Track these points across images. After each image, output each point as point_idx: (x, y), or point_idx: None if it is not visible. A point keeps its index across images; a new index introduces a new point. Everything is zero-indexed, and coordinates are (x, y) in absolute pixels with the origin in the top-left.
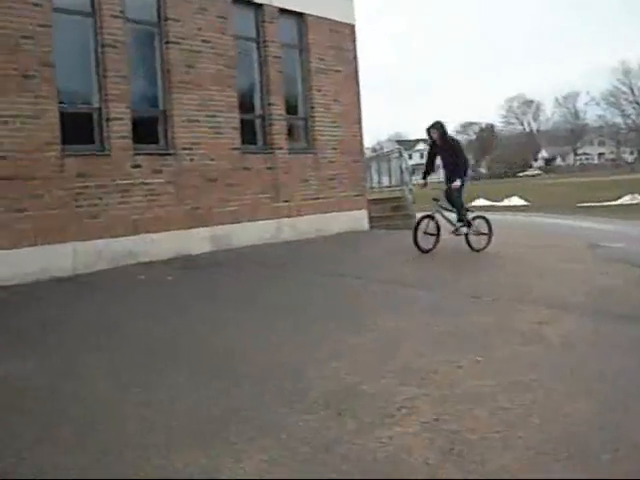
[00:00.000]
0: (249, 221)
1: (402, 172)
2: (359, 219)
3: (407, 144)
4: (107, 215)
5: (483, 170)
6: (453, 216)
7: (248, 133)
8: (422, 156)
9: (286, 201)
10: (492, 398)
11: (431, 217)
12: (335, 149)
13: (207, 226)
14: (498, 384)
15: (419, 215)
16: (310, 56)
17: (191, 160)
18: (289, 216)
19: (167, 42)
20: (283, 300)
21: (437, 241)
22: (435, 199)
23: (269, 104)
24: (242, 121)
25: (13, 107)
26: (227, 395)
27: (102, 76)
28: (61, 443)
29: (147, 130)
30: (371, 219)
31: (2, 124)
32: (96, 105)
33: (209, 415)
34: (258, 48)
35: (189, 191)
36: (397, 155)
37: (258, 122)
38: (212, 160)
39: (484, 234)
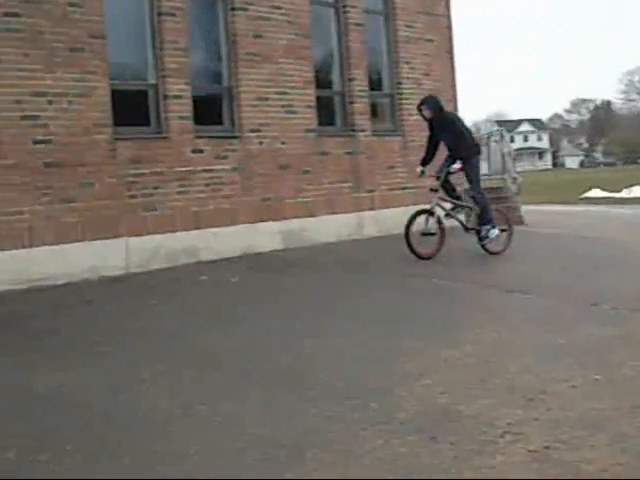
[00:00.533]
0: (326, 214)
1: (503, 158)
2: None
3: (509, 125)
4: (164, 207)
5: (598, 155)
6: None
7: (325, 112)
8: (526, 139)
9: (369, 191)
10: (613, 423)
11: (430, 212)
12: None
13: (278, 220)
14: (620, 407)
15: (414, 210)
16: (397, 23)
17: (260, 144)
18: (372, 209)
19: (232, 9)
20: (365, 307)
21: (441, 242)
22: (433, 189)
23: (349, 79)
24: (318, 99)
25: (59, 84)
26: (303, 415)
27: (158, 48)
28: (113, 473)
29: (210, 110)
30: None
31: (47, 104)
32: (152, 81)
33: (282, 437)
34: (337, 14)
35: (257, 179)
36: (497, 138)
37: (337, 100)
38: (284, 144)
39: (502, 230)
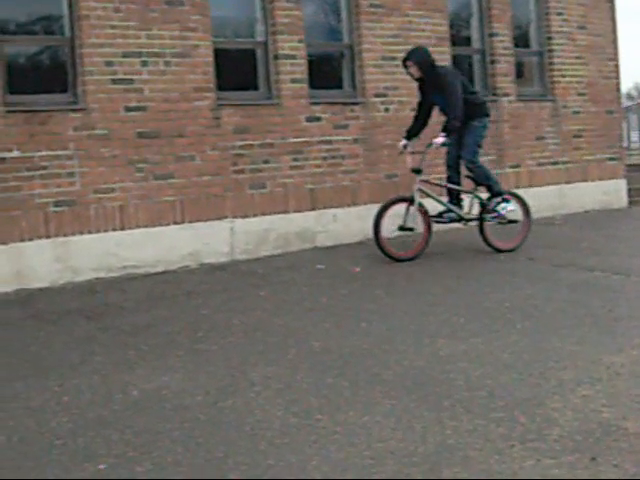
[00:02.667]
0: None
1: None
2: (614, 192)
3: None
4: (274, 184)
5: None
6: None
7: (462, 74)
8: None
9: (514, 166)
10: None
11: (408, 201)
12: (581, 95)
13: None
14: None
15: (388, 199)
16: None
17: (386, 111)
18: (517, 186)
19: None
20: (507, 301)
21: (426, 239)
22: (415, 170)
23: (490, 34)
24: (454, 57)
25: (154, 43)
26: (439, 428)
27: (268, 1)
28: None
29: (327, 71)
30: (630, 192)
31: (141, 65)
32: (261, 39)
33: (415, 453)
34: None
35: (383, 152)
36: None
37: (476, 59)
38: (414, 110)
39: (513, 222)
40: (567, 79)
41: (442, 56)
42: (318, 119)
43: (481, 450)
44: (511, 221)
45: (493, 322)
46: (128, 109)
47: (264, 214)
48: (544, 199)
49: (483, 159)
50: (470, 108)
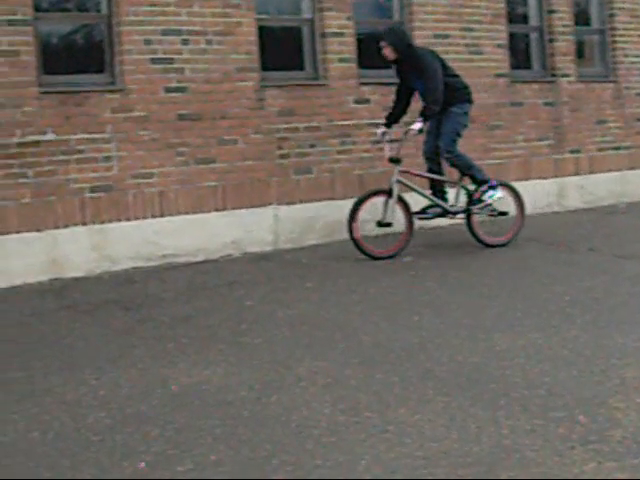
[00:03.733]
0: (519, 179)
1: None
2: None
3: None
4: (321, 169)
5: None
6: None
7: (519, 53)
8: None
9: (573, 151)
10: None
11: (386, 193)
12: None
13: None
14: None
15: (364, 192)
16: None
17: None
18: (577, 173)
19: None
20: (569, 294)
21: (408, 234)
22: (393, 159)
23: (550, 11)
24: (511, 36)
25: (195, 20)
26: (495, 427)
27: None
28: None
29: (377, 50)
30: None
31: (181, 43)
32: (307, 16)
33: (470, 453)
34: None
35: None
36: None
37: (534, 37)
38: None
39: (503, 214)
40: (630, 59)
41: (498, 34)
42: (367, 101)
43: (539, 452)
44: (502, 213)
45: (552, 316)
46: (168, 90)
47: (310, 201)
48: (605, 186)
49: (542, 143)
50: (450, 93)
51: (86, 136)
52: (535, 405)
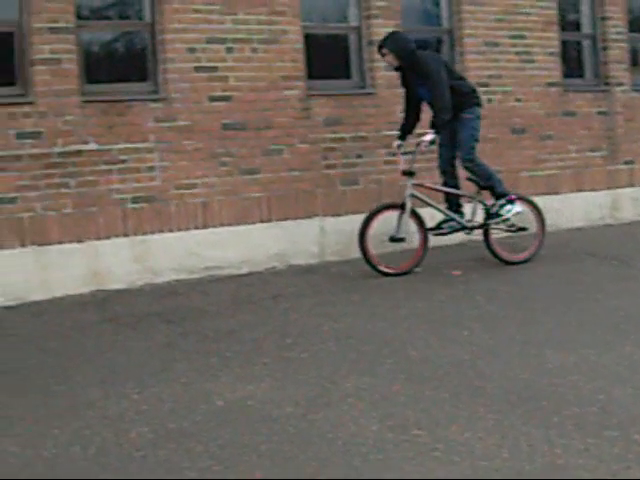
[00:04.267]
0: (571, 192)
1: None
2: None
3: None
4: (368, 180)
5: None
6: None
7: (572, 61)
8: None
9: (627, 163)
10: None
11: (399, 208)
12: None
13: None
14: None
15: (376, 206)
16: None
17: (488, 101)
18: (632, 185)
19: None
20: (626, 310)
21: (422, 250)
22: (406, 172)
23: (603, 18)
24: (563, 43)
25: (240, 28)
26: (548, 446)
27: None
28: None
29: None
30: None
31: (226, 51)
32: (354, 23)
33: (523, 473)
34: None
35: (485, 146)
36: None
37: (586, 45)
38: (518, 101)
39: (522, 229)
40: None
41: (550, 42)
42: None
43: (594, 472)
44: (520, 228)
45: (606, 332)
46: (212, 99)
47: (356, 212)
48: None
49: (596, 154)
50: (458, 98)
51: (129, 146)
52: (589, 423)
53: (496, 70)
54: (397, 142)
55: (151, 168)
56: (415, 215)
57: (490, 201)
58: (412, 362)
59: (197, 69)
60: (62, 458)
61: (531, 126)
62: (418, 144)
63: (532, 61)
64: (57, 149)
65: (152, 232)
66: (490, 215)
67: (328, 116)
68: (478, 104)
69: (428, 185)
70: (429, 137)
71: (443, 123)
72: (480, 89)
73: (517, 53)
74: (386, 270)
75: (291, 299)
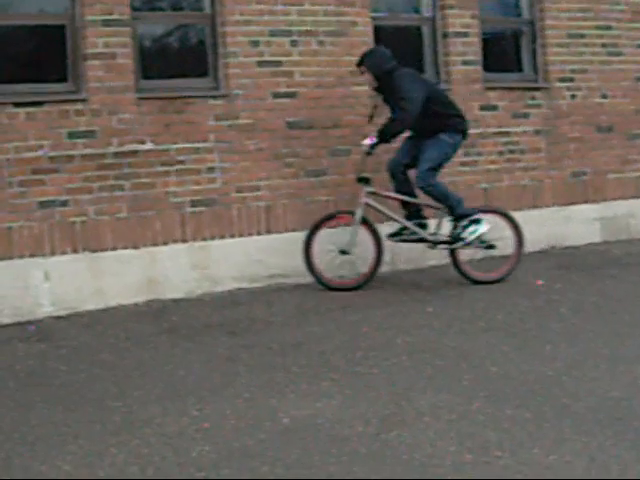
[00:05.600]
0: None
1: None
2: None
3: None
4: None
5: None
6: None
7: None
8: None
9: None
10: None
11: (348, 216)
12: None
13: (596, 202)
14: None
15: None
16: None
17: (572, 97)
18: None
19: None
20: None
21: (377, 262)
22: (363, 178)
23: None
24: None
25: (306, 20)
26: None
27: None
28: None
29: (505, 52)
30: None
31: (290, 45)
32: (428, 14)
33: None
34: None
35: (568, 146)
36: None
37: None
38: (605, 98)
39: (490, 247)
40: None
41: (639, 33)
42: (494, 107)
43: None
44: (490, 246)
45: None
46: (276, 95)
47: (430, 217)
48: None
49: None
50: (441, 120)
51: (187, 145)
52: None
53: (580, 64)
54: (369, 140)
55: (211, 169)
56: (368, 225)
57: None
58: (492, 378)
59: (260, 64)
60: (118, 479)
61: (618, 124)
62: (369, 148)
63: (619, 54)
64: (111, 149)
65: (212, 238)
66: (453, 236)
67: None
68: (462, 132)
69: (385, 193)
70: (370, 141)
71: (391, 134)
72: (563, 84)
73: (603, 45)
74: (331, 284)
75: (361, 310)
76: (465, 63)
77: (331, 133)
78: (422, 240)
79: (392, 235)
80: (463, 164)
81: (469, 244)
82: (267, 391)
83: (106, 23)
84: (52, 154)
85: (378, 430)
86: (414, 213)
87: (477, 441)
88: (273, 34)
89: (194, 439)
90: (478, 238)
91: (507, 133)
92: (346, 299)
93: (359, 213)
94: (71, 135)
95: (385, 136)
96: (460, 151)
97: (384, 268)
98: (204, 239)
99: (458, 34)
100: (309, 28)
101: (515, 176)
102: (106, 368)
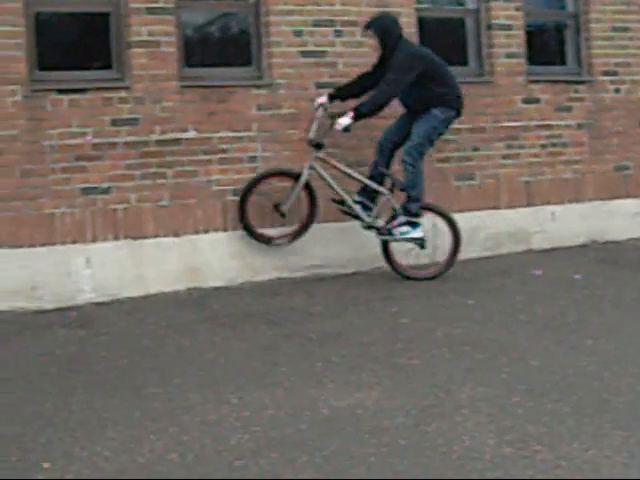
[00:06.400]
0: None
1: None
2: None
3: None
4: (484, 175)
5: None
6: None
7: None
8: None
9: None
10: None
11: (295, 177)
12: None
13: (638, 197)
14: None
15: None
16: None
17: (616, 91)
18: None
19: None
20: None
21: (308, 221)
22: (315, 143)
23: None
24: None
25: (350, 10)
26: None
27: None
28: None
29: (549, 45)
30: None
31: (334, 35)
32: (472, 5)
33: None
34: None
35: (612, 140)
36: None
37: None
38: None
39: (421, 247)
40: None
41: None
42: (537, 100)
43: None
44: (421, 246)
45: None
46: (319, 86)
47: (472, 209)
48: None
49: None
50: (435, 96)
51: (230, 134)
52: None
53: (624, 58)
54: (322, 99)
55: (253, 158)
56: (308, 189)
57: (398, 205)
58: (532, 372)
59: (304, 54)
60: (158, 465)
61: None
62: (332, 124)
63: None
64: (154, 137)
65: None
66: (386, 230)
67: None
68: (455, 108)
69: (334, 163)
70: (346, 121)
71: (364, 113)
72: (606, 78)
73: None
74: (264, 236)
75: (401, 301)
76: (509, 56)
77: (373, 123)
78: (357, 218)
79: (335, 201)
80: (505, 157)
81: (397, 240)
82: (306, 381)
83: (151, 11)
84: (95, 141)
85: (417, 422)
86: (367, 194)
87: (516, 435)
88: (317, 24)
89: (234, 427)
90: (407, 239)
91: (550, 126)
92: (386, 290)
93: (304, 176)
94: (114, 122)
95: (361, 114)
96: (502, 144)
97: (424, 260)
98: None
99: (502, 26)
100: (353, 18)
101: (557, 170)
102: (146, 355)
